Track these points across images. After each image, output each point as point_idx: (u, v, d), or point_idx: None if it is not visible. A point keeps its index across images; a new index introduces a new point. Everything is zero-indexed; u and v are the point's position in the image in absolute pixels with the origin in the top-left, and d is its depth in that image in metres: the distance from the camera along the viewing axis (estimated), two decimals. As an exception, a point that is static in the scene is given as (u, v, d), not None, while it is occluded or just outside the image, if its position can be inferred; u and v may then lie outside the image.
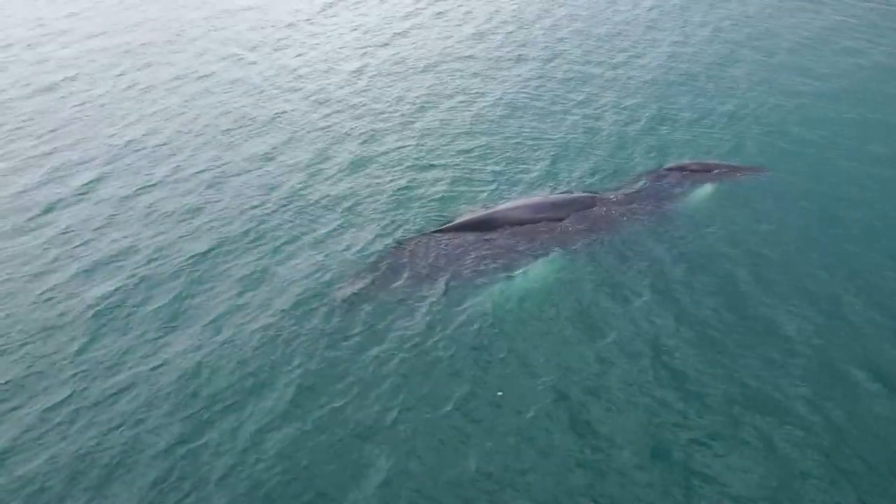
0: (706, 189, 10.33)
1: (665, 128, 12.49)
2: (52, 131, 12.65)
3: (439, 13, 19.05)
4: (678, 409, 6.72)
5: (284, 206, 10.20)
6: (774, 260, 8.93)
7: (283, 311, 7.95)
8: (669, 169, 10.77)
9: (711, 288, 8.42)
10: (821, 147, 11.73)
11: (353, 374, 7.11)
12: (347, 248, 9.15)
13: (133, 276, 8.72)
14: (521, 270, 8.62)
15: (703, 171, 10.67)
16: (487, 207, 9.86)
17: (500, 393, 6.90)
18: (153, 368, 7.24)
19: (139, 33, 17.75)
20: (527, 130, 12.44)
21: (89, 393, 6.97)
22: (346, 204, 10.18)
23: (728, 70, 14.98)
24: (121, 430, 6.55)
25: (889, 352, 7.46)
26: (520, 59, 15.75)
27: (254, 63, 15.78)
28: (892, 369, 7.21)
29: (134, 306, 8.18)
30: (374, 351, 7.43)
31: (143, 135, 12.52)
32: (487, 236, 9.17)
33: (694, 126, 12.52)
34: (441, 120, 12.88)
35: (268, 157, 11.70)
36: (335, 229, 9.55)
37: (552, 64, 15.42)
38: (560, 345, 7.55)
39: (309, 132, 12.53)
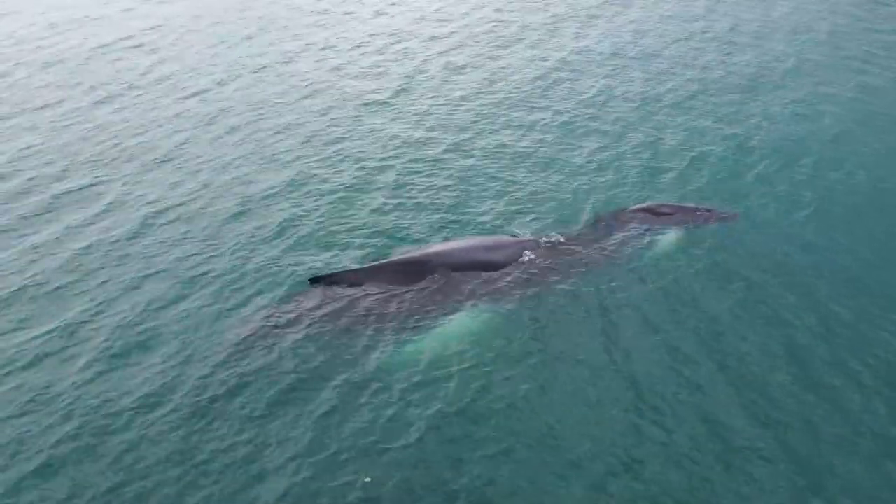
0: (671, 235, 9.11)
1: (656, 167, 11.14)
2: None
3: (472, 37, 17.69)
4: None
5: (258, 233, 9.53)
6: (740, 320, 7.75)
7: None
8: (634, 211, 9.54)
9: (657, 348, 7.34)
10: (816, 192, 10.41)
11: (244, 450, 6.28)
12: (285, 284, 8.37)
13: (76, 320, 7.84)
14: (440, 324, 7.63)
15: (671, 214, 9.42)
16: (418, 248, 8.84)
17: (367, 479, 5.75)
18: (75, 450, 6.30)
19: (174, 36, 17.40)
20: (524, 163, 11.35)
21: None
22: (319, 230, 9.53)
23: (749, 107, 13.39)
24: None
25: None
26: (540, 88, 14.43)
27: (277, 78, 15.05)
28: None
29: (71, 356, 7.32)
30: (257, 412, 6.67)
31: (145, 149, 11.97)
32: (412, 281, 8.15)
33: (687, 165, 11.14)
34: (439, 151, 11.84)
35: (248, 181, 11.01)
36: (300, 260, 8.82)
37: (573, 99, 13.84)
38: (475, 408, 6.61)
39: (319, 148, 11.91)
